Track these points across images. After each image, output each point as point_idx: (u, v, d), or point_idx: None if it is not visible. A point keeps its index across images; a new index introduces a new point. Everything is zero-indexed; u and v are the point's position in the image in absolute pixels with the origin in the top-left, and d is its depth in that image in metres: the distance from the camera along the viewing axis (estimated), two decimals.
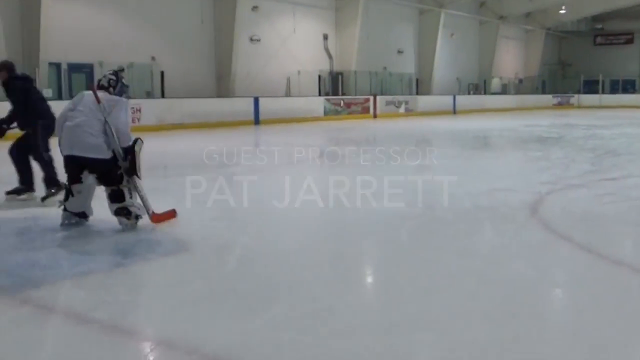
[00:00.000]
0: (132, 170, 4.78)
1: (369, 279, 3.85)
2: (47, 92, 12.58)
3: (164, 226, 4.89)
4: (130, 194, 4.77)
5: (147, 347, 2.78)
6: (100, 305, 3.20)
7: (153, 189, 6.88)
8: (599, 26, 38.49)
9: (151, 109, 15.54)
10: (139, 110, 15.28)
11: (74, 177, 4.76)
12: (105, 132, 4.69)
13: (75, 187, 4.78)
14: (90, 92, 4.81)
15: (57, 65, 15.55)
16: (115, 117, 4.72)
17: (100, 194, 4.91)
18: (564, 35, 39.01)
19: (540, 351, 2.61)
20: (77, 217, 4.91)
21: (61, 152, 4.79)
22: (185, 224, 4.98)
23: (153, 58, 17.36)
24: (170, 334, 2.84)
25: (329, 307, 3.18)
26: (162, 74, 17.36)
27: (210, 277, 3.72)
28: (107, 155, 4.69)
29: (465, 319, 2.96)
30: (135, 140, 4.82)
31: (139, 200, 4.85)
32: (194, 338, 2.74)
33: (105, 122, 4.68)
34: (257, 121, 18.33)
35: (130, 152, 4.76)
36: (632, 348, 2.66)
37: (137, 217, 4.80)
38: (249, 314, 3.04)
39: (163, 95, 17.28)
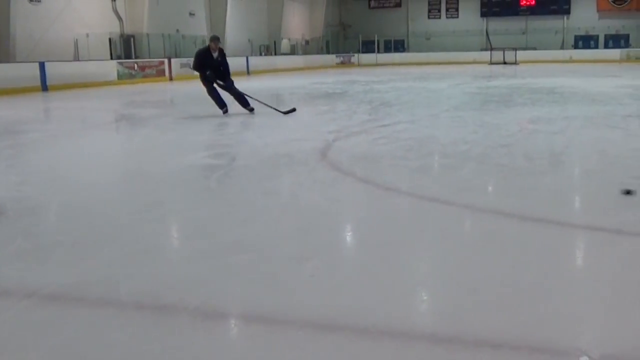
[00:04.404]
0: None
1: (187, 220, 4.13)
2: None
3: None
4: None
5: None
6: None
7: None
8: None
9: None
10: None
11: None
12: None
13: None
14: None
15: None
16: None
17: None
18: None
19: (335, 253, 3.34)
20: None
21: None
22: None
23: None
24: (2, 284, 2.93)
25: (156, 245, 3.52)
26: None
27: (32, 234, 3.75)
28: None
29: (275, 240, 3.52)
30: None
31: None
32: (30, 284, 2.86)
33: None
34: (44, 87, 17.08)
35: None
36: (397, 243, 3.46)
37: None
38: (80, 259, 3.23)
39: None
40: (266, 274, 2.98)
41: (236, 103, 9.94)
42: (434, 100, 13.05)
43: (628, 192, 4.54)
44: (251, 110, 9.84)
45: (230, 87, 9.68)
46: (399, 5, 42.37)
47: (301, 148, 6.62)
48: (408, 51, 40.51)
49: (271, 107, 9.70)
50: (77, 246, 3.47)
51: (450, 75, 22.55)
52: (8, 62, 17.40)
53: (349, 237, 3.82)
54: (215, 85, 9.67)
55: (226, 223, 3.93)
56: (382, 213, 4.14)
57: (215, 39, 9.83)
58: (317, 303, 2.62)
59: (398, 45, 41.60)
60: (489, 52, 35.24)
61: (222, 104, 9.79)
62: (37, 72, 17.09)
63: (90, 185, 5.23)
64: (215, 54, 9.55)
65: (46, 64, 17.49)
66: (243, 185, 5.06)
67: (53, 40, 19.53)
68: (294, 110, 9.69)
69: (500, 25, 39.87)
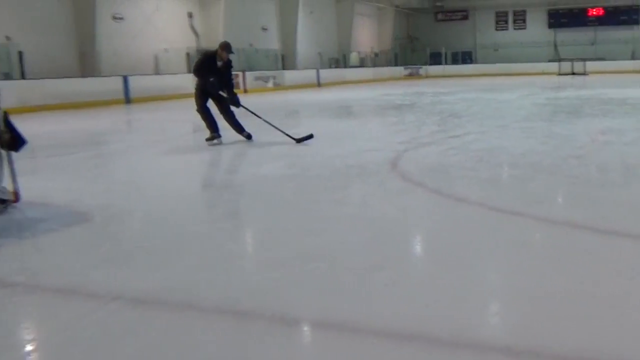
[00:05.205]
0: (13, 143, 4.67)
1: (263, 229, 4.24)
2: None
3: (57, 202, 5.02)
4: None
5: (70, 301, 2.94)
6: (16, 271, 3.38)
7: (33, 169, 7.01)
8: (439, 4, 41.48)
9: (11, 91, 14.70)
10: None
11: None
12: None
13: None
14: None
15: None
16: None
17: None
18: (410, 12, 41.38)
19: (408, 263, 3.39)
20: None
21: None
22: (78, 198, 5.13)
23: (8, 38, 16.43)
24: (91, 287, 3.06)
25: (233, 252, 3.66)
26: (20, 54, 16.46)
27: (117, 240, 3.95)
28: None
29: (347, 250, 3.57)
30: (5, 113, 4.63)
31: (3, 184, 4.64)
32: (116, 288, 3.00)
33: None
34: (127, 100, 17.97)
35: (8, 125, 4.58)
36: (468, 255, 3.45)
37: (2, 201, 4.59)
38: (163, 264, 3.38)
39: (23, 76, 16.38)
40: (341, 283, 3.04)
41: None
42: (503, 111, 12.82)
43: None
44: (248, 137, 8.28)
45: (226, 110, 8.24)
46: (466, 17, 41.97)
47: (372, 159, 6.67)
48: (476, 62, 39.96)
49: (283, 132, 8.18)
50: (159, 252, 3.63)
51: (518, 86, 22.05)
52: (94, 76, 18.43)
53: (421, 247, 3.84)
54: (215, 102, 8.24)
55: (300, 232, 4.02)
56: (454, 224, 4.14)
57: (224, 46, 8.05)
58: (392, 312, 2.65)
59: (466, 57, 41.03)
60: (557, 63, 34.29)
61: (214, 128, 8.17)
62: (121, 85, 18.02)
63: (170, 194, 5.44)
64: (219, 63, 8.02)
65: (129, 77, 18.39)
66: (316, 196, 5.16)
67: (135, 55, 20.52)
68: (310, 137, 8.04)
69: (568, 36, 38.86)
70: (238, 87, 22.85)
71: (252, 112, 8.34)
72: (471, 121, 10.83)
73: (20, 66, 16.44)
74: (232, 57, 8.22)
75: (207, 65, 8.04)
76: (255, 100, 19.35)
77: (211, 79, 7.97)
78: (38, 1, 17.68)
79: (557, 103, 14.63)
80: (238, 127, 8.30)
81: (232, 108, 8.26)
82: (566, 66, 33.20)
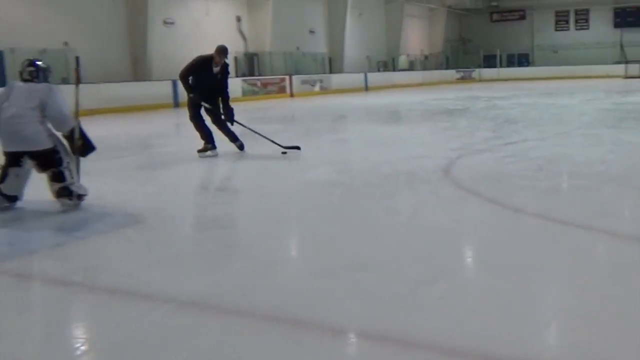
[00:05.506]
0: (84, 149, 4.98)
1: (313, 236, 4.19)
2: None
3: (111, 203, 5.12)
4: (71, 174, 4.84)
5: (125, 301, 2.99)
6: (74, 271, 3.46)
7: (86, 171, 7.14)
8: (495, 4, 40.51)
9: (68, 95, 15.16)
10: None
11: (14, 161, 4.77)
12: (42, 122, 4.70)
13: (13, 170, 4.79)
14: (21, 82, 4.83)
15: None
16: (53, 104, 4.71)
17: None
18: (463, 13, 40.62)
19: (463, 276, 3.28)
20: (8, 200, 4.85)
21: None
22: (130, 200, 5.22)
23: (66, 43, 16.98)
24: (145, 288, 3.09)
25: (283, 259, 3.64)
26: (77, 59, 16.97)
27: (169, 243, 3.98)
28: (47, 144, 4.72)
29: (400, 260, 3.47)
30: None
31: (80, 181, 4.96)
32: (169, 290, 3.01)
33: (41, 111, 4.67)
34: (176, 104, 18.24)
35: (81, 133, 4.92)
36: (528, 269, 3.29)
37: (79, 196, 4.87)
38: (215, 269, 3.40)
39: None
40: (393, 294, 2.94)
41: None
42: (564, 117, 12.42)
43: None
44: (240, 147, 7.93)
45: (218, 120, 7.79)
46: (523, 17, 40.86)
47: (423, 165, 6.53)
48: (533, 65, 38.83)
49: (273, 141, 7.87)
50: (209, 256, 3.66)
51: (580, 90, 21.37)
52: (145, 80, 18.84)
53: (477, 259, 3.68)
54: (203, 110, 7.76)
55: (350, 241, 3.94)
56: (512, 236, 3.98)
57: (222, 50, 7.63)
58: (447, 326, 2.55)
59: (522, 59, 39.90)
60: (623, 65, 32.91)
61: (208, 139, 7.71)
62: (170, 89, 18.33)
63: (218, 199, 5.50)
64: (216, 69, 7.59)
65: (178, 82, 18.61)
66: (365, 203, 5.04)
67: (183, 59, 20.70)
68: (297, 148, 7.69)
69: (636, 36, 37.14)
70: (284, 91, 22.99)
71: (245, 126, 8.06)
72: (528, 127, 10.49)
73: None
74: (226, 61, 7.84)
75: (200, 71, 7.60)
76: (301, 104, 19.44)
77: (191, 95, 7.61)
78: (94, 8, 18.23)
79: (625, 108, 14.01)
80: (231, 136, 7.93)
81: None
82: (634, 68, 31.75)
